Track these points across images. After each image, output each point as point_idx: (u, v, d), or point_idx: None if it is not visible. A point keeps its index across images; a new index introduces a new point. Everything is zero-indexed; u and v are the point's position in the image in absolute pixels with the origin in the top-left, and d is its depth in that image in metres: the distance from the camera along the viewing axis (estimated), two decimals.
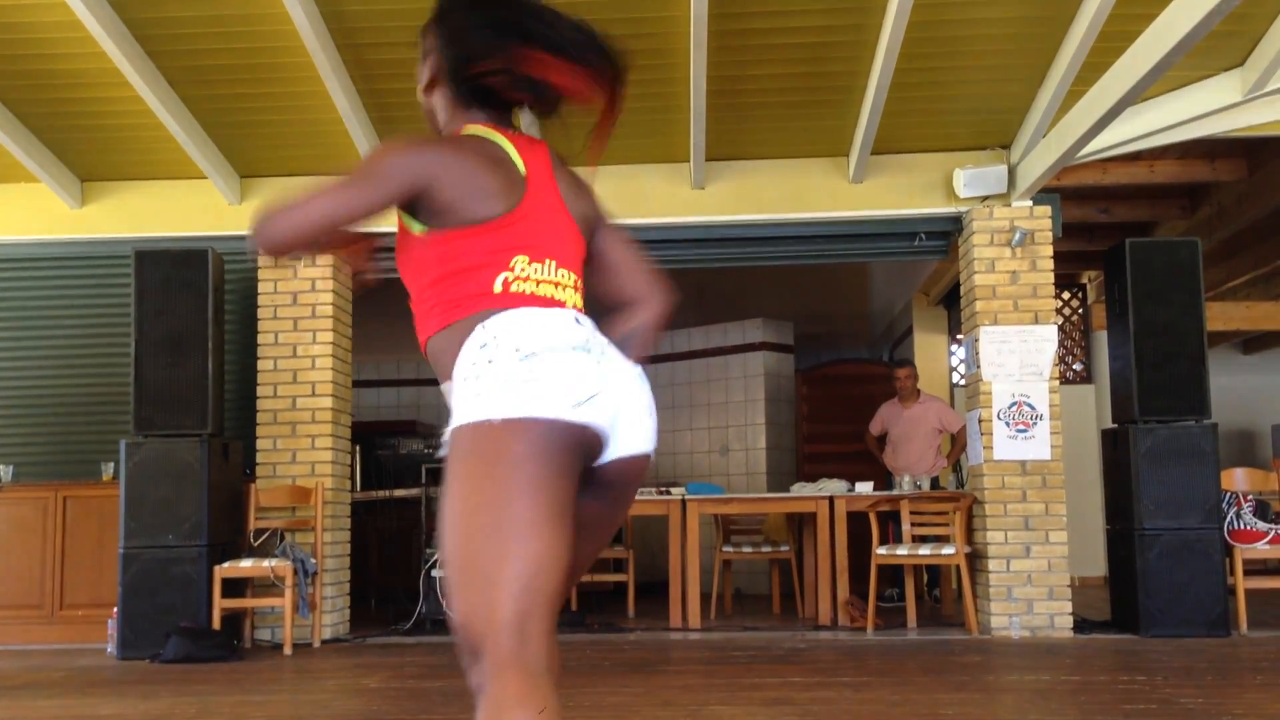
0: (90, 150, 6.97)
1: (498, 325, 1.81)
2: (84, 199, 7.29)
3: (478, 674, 1.70)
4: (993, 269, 6.93)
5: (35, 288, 7.37)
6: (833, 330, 12.20)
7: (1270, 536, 6.71)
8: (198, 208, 7.20)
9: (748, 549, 8.28)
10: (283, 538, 6.76)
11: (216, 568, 6.40)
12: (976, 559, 6.95)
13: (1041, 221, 6.94)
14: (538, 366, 1.76)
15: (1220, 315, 10.30)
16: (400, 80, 6.04)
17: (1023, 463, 6.81)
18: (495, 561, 1.67)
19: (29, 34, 5.84)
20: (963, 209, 7.02)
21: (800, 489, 7.67)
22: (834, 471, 8.18)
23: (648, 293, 2.12)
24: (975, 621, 6.80)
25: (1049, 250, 6.95)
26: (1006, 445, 6.81)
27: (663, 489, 7.73)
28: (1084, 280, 11.33)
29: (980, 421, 6.89)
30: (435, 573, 7.37)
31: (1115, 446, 6.94)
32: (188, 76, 6.20)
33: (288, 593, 6.41)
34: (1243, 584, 6.68)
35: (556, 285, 1.93)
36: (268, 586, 6.54)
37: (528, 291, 1.88)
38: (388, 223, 1.90)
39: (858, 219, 7.15)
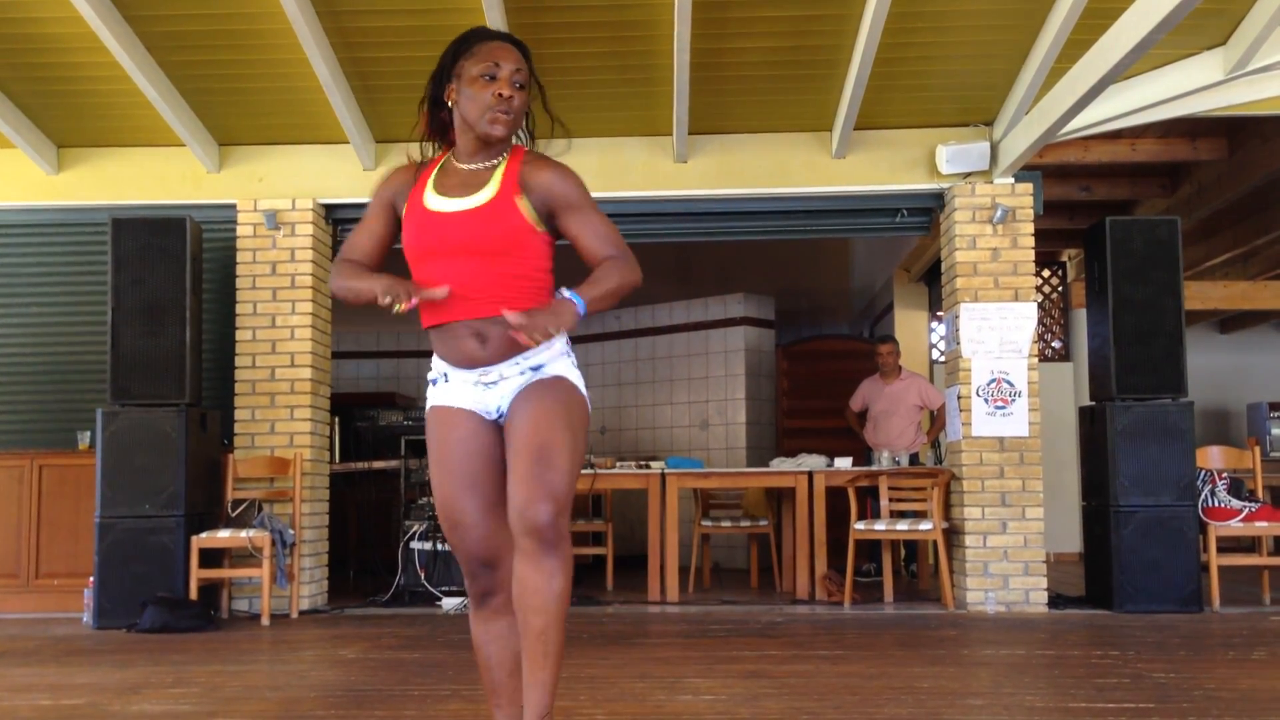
0: (67, 116, 6.89)
1: None
2: (60, 165, 7.21)
3: (563, 527, 2.46)
4: (974, 246, 6.94)
5: (10, 255, 7.29)
6: (814, 306, 12.21)
7: (1244, 514, 6.77)
8: (176, 175, 7.14)
9: (726, 523, 8.31)
10: (261, 508, 6.74)
11: (194, 538, 6.38)
12: (954, 534, 6.99)
13: (1023, 199, 6.95)
14: None
15: (1198, 294, 10.34)
16: (381, 49, 5.92)
17: (1001, 439, 6.84)
18: (579, 461, 2.58)
19: None
20: (944, 185, 7.02)
21: (779, 464, 7.69)
22: (813, 447, 8.20)
23: None
24: (951, 596, 6.84)
25: (1030, 228, 6.96)
26: (985, 422, 6.84)
27: (642, 463, 7.75)
28: (1064, 258, 11.36)
29: (959, 398, 6.92)
30: (414, 544, 7.37)
31: (1092, 424, 6.98)
32: (166, 42, 6.13)
33: (265, 563, 6.40)
34: (1216, 561, 6.74)
35: None
36: (245, 557, 6.53)
37: None
38: None
39: (840, 194, 7.14)
